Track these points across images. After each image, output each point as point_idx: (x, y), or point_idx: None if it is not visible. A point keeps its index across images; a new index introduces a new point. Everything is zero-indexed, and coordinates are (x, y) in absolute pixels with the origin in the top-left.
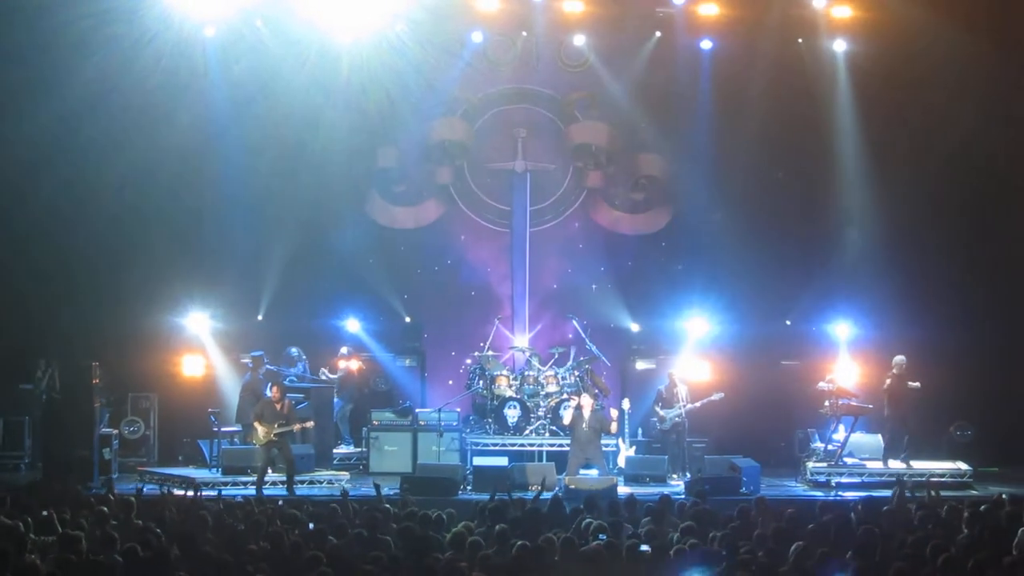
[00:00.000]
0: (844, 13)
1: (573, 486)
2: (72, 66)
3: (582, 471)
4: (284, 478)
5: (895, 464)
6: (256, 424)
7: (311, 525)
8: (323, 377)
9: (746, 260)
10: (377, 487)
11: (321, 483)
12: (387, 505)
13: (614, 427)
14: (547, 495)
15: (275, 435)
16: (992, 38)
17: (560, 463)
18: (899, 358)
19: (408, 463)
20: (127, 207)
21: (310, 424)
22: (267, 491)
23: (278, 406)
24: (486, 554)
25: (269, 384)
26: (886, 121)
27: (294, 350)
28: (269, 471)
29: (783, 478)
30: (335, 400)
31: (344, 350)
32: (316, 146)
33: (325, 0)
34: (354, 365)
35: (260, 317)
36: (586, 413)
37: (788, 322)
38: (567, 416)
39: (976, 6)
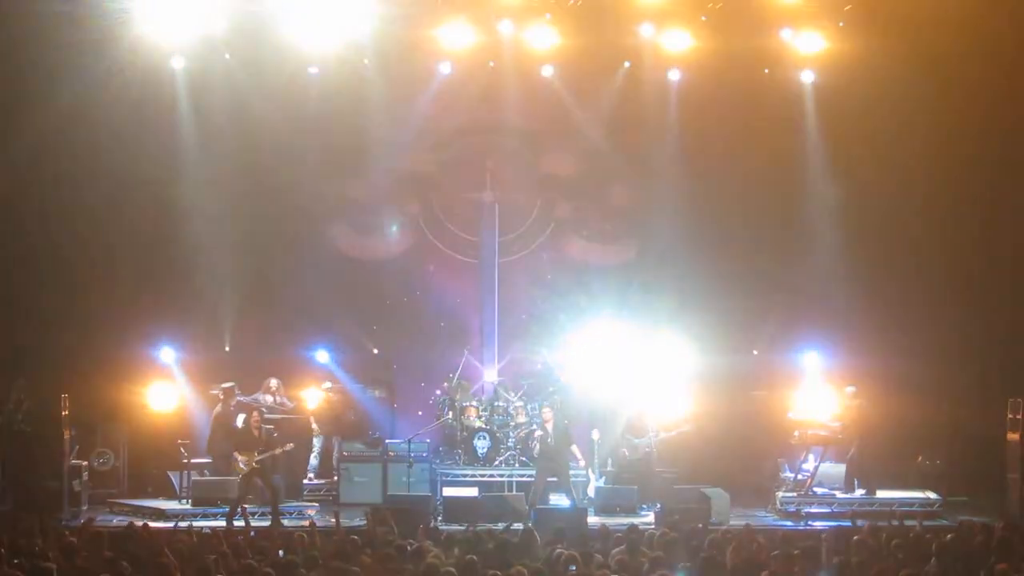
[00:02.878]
0: (811, 44)
1: (543, 516)
2: (43, 96)
3: (551, 496)
4: (255, 509)
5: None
6: (236, 454)
7: (281, 553)
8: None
9: (715, 290)
10: (336, 514)
11: (291, 514)
12: (355, 536)
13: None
14: (518, 526)
15: (256, 463)
16: (956, 70)
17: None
18: (851, 387)
19: (378, 494)
20: (97, 237)
21: (290, 446)
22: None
23: (256, 432)
24: None
25: (243, 415)
26: (853, 151)
27: (273, 381)
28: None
29: (753, 508)
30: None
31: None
32: (284, 177)
33: (293, 33)
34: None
35: (227, 348)
36: (549, 427)
37: (755, 352)
38: (537, 434)
39: (939, 38)
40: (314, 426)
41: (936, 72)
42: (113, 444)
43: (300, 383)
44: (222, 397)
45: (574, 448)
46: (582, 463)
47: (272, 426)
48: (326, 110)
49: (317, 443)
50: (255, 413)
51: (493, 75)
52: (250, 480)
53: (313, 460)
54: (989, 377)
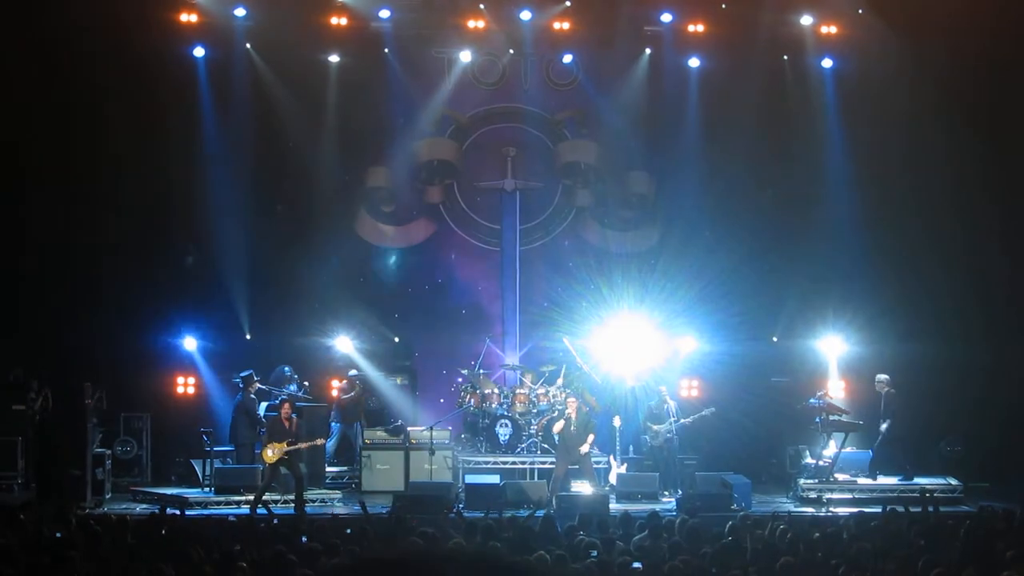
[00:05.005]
0: (830, 31)
1: (564, 503)
2: (62, 86)
3: (573, 483)
4: (277, 497)
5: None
6: (265, 442)
7: (304, 539)
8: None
9: (735, 277)
10: (362, 504)
11: (313, 502)
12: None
13: (594, 401)
14: (539, 513)
15: (285, 453)
16: (976, 54)
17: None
18: (884, 376)
19: (400, 481)
20: (118, 225)
21: (320, 441)
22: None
23: (286, 423)
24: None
25: (265, 403)
26: (873, 137)
27: (287, 369)
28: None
29: (774, 494)
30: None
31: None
32: (305, 165)
33: (313, 23)
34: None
35: (248, 336)
36: (573, 417)
37: (775, 339)
38: (557, 427)
39: (959, 23)
40: (333, 413)
41: (956, 56)
42: (136, 433)
43: (323, 371)
44: (242, 386)
45: (591, 438)
46: (585, 449)
47: (296, 413)
48: (346, 98)
49: (336, 430)
50: (286, 405)
51: (513, 63)
52: (276, 469)
53: (330, 446)
54: (1011, 362)
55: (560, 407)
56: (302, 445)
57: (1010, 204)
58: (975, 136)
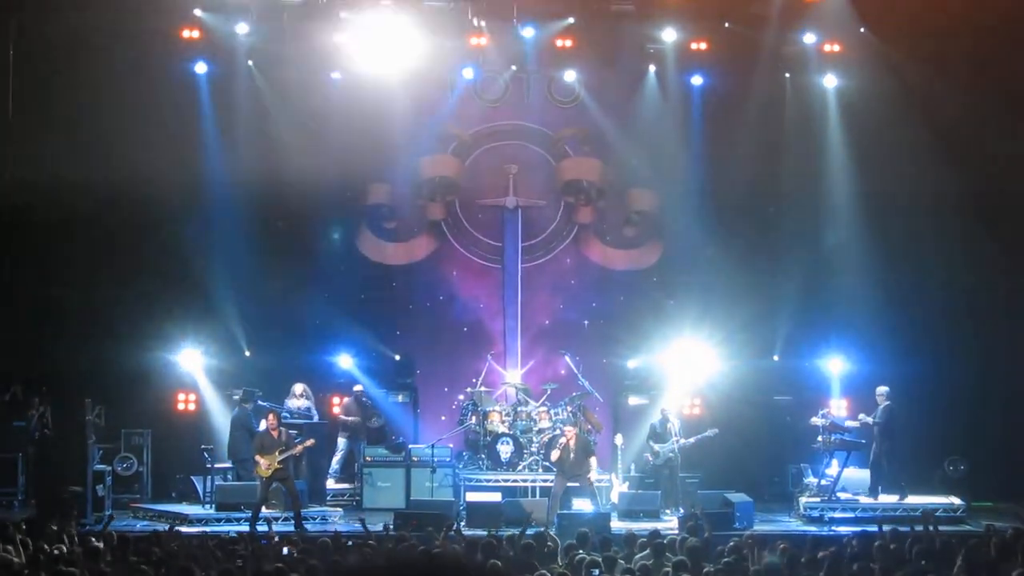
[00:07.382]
0: (833, 49)
1: (565, 521)
2: (64, 105)
3: (574, 500)
4: (278, 514)
5: (890, 497)
6: (257, 457)
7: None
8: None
9: (738, 295)
10: (362, 521)
11: (314, 519)
12: (371, 542)
13: (595, 419)
14: (532, 530)
15: (279, 462)
16: (979, 74)
17: None
18: (884, 388)
19: (401, 499)
20: (119, 242)
21: (311, 442)
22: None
23: (275, 433)
24: None
25: (260, 419)
26: (875, 155)
27: (299, 386)
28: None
29: (777, 513)
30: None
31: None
32: (307, 182)
33: (315, 40)
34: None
35: (247, 353)
36: (571, 444)
37: (776, 357)
38: (554, 455)
39: (961, 42)
40: (345, 422)
41: (959, 76)
42: (136, 449)
43: (323, 388)
44: (240, 402)
45: (592, 460)
46: (592, 478)
47: (297, 431)
48: (349, 116)
49: (344, 445)
50: (271, 415)
51: (516, 80)
52: (270, 484)
53: (335, 464)
54: (1014, 381)
55: (561, 425)
56: (294, 451)
57: (1011, 224)
58: (977, 154)
